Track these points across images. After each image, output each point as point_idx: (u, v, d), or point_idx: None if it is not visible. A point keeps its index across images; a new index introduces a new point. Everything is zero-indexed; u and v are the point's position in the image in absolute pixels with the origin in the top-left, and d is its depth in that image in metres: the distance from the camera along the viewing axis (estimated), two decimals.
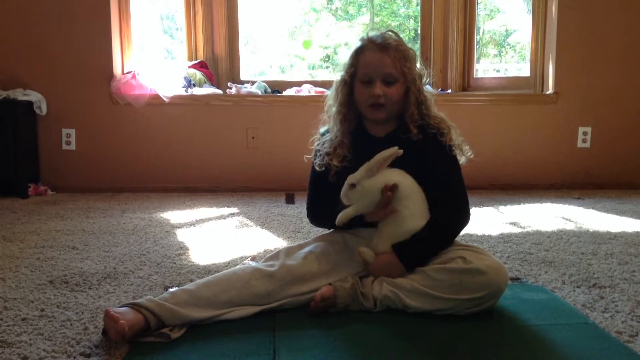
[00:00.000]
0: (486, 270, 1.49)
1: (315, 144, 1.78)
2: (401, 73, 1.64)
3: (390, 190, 1.57)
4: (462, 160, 1.70)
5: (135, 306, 1.42)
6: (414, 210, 1.60)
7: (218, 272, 1.66)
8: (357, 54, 1.67)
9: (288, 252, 1.69)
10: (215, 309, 1.49)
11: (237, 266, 1.77)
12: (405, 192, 1.60)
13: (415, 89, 1.66)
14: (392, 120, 1.72)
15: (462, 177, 1.70)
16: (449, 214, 1.64)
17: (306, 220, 2.74)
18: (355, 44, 1.70)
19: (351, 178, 1.60)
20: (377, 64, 1.64)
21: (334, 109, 1.73)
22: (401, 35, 1.71)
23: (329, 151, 1.70)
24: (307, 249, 1.69)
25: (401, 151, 1.58)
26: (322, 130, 1.80)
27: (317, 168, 1.72)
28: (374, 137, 1.73)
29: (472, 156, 1.72)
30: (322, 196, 1.73)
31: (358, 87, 1.67)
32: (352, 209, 1.61)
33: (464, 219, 1.66)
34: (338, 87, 1.71)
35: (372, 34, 1.68)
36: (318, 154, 1.74)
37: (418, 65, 1.72)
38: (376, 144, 1.67)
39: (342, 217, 1.61)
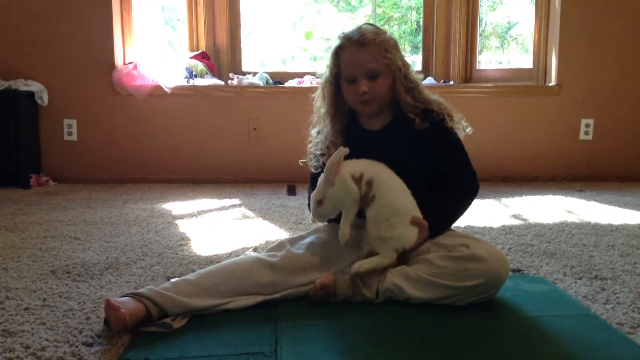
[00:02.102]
0: (487, 257, 1.50)
1: (309, 146, 1.78)
2: (383, 65, 1.63)
3: (358, 181, 1.58)
4: (461, 135, 1.73)
5: (136, 296, 1.43)
6: (390, 186, 1.60)
7: (220, 262, 1.66)
8: (337, 53, 1.67)
9: (290, 242, 1.70)
10: (217, 299, 1.49)
11: (239, 257, 1.77)
12: (371, 175, 1.59)
13: (402, 77, 1.65)
14: (386, 112, 1.71)
15: (467, 154, 1.74)
16: (462, 186, 1.69)
17: (307, 211, 2.75)
18: (335, 43, 1.69)
19: (316, 195, 1.60)
20: (357, 61, 1.63)
21: (322, 110, 1.73)
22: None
23: (323, 152, 1.71)
24: (308, 240, 1.70)
25: (347, 150, 1.56)
26: (313, 132, 1.79)
27: (312, 170, 1.74)
28: (370, 132, 1.72)
29: (470, 132, 1.75)
30: None
31: (344, 86, 1.67)
32: (344, 220, 1.59)
33: (475, 188, 1.72)
34: (324, 88, 1.71)
35: (348, 31, 1.67)
36: (312, 157, 1.75)
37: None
38: (373, 138, 1.69)
39: (343, 235, 1.59)
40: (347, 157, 1.61)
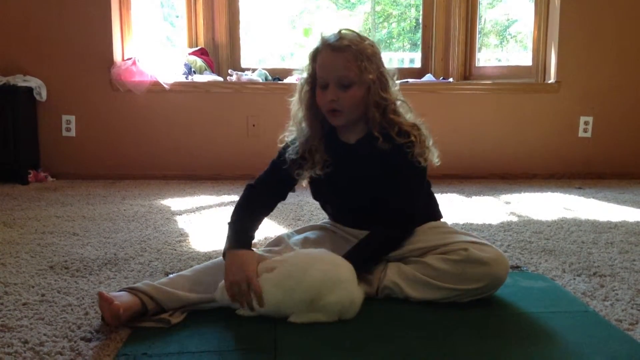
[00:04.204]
0: (488, 261, 1.49)
1: (287, 151, 1.67)
2: (356, 75, 1.52)
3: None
4: (426, 162, 1.59)
5: (131, 290, 1.43)
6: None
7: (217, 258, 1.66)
8: (314, 56, 1.58)
9: (288, 237, 1.70)
10: (212, 292, 1.49)
11: None
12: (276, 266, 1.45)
13: (375, 90, 1.54)
14: (361, 126, 1.62)
15: (419, 191, 1.63)
16: (395, 229, 1.59)
17: (306, 207, 2.76)
18: (313, 45, 1.60)
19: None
20: (330, 66, 1.54)
21: (300, 115, 1.64)
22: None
23: (305, 157, 1.62)
24: (303, 235, 1.71)
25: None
26: (290, 138, 1.69)
27: (295, 177, 1.64)
28: (344, 144, 1.65)
29: (438, 164, 1.62)
30: (272, 185, 1.69)
31: (317, 91, 1.58)
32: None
33: (407, 233, 1.61)
34: (301, 91, 1.63)
35: (327, 34, 1.57)
36: (292, 163, 1.63)
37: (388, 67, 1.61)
38: (347, 150, 1.63)
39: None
40: (327, 166, 1.57)
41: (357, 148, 1.62)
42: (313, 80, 1.60)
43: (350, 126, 1.63)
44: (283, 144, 1.71)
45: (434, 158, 1.60)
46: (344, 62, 1.52)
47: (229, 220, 1.59)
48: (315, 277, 1.40)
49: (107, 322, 1.39)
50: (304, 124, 1.64)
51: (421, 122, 1.61)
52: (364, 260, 1.56)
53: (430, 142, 1.60)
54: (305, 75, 1.62)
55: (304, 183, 1.69)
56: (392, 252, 1.59)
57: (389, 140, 1.55)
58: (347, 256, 1.52)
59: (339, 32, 1.56)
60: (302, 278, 1.40)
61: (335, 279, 1.42)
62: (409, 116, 1.61)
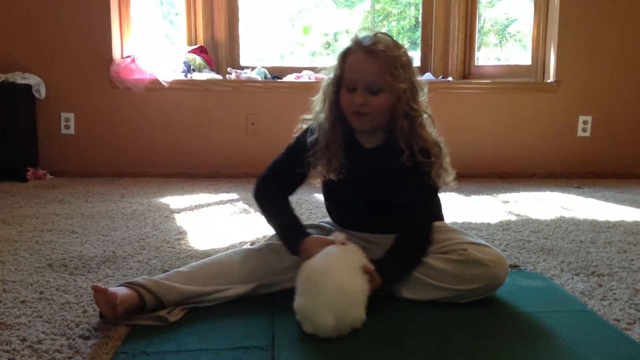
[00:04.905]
0: (487, 262, 1.49)
1: (304, 133, 1.64)
2: (387, 82, 1.47)
3: None
4: (442, 185, 1.57)
5: (129, 284, 1.43)
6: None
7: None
8: (344, 56, 1.53)
9: None
10: (212, 287, 1.49)
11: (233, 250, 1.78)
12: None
13: (404, 101, 1.50)
14: (381, 133, 1.58)
15: (434, 207, 1.65)
16: (414, 245, 1.58)
17: (305, 206, 2.75)
18: (345, 44, 1.54)
19: None
20: (361, 69, 1.49)
21: (322, 116, 1.58)
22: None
23: (323, 161, 1.58)
24: None
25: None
26: (309, 124, 1.64)
27: (312, 176, 1.62)
28: (363, 148, 1.60)
29: (455, 187, 1.60)
30: (286, 180, 1.67)
31: (343, 91, 1.53)
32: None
33: (425, 249, 1.58)
34: (326, 91, 1.57)
35: (362, 34, 1.51)
36: (312, 157, 1.59)
37: (418, 78, 1.56)
38: (365, 155, 1.60)
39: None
40: (342, 173, 1.55)
41: (374, 154, 1.59)
42: (339, 81, 1.54)
43: (369, 132, 1.59)
44: (302, 130, 1.66)
45: (450, 180, 1.57)
46: (377, 67, 1.47)
47: (271, 224, 1.62)
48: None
49: (104, 315, 1.39)
50: (325, 125, 1.58)
51: (442, 140, 1.57)
52: (396, 271, 1.54)
53: (448, 161, 1.56)
54: (331, 75, 1.56)
55: (317, 182, 1.67)
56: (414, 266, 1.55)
57: (412, 156, 1.51)
58: (379, 268, 1.47)
59: (375, 35, 1.50)
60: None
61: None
62: (432, 131, 1.57)
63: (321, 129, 1.58)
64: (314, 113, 1.61)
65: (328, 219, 1.77)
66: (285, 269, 1.56)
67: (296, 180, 1.67)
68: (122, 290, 1.40)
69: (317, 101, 1.60)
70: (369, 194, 1.60)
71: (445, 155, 1.55)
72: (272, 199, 1.66)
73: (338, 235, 1.52)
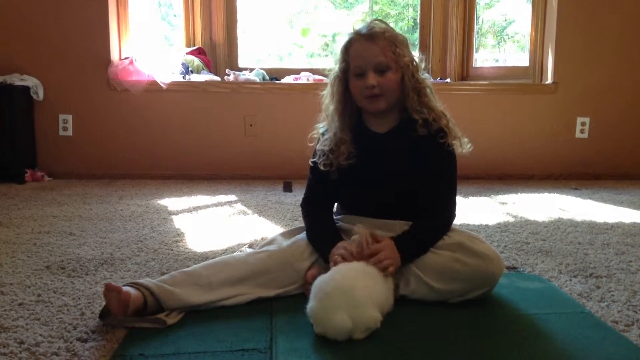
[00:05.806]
0: (482, 256, 1.50)
1: (317, 142, 1.72)
2: (392, 59, 1.58)
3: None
4: (461, 150, 1.66)
5: (135, 285, 1.43)
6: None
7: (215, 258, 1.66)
8: (347, 48, 1.63)
9: (283, 236, 1.73)
10: (213, 290, 1.49)
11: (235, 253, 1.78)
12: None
13: (410, 75, 1.61)
14: (393, 115, 1.67)
15: (456, 179, 1.69)
16: (436, 218, 1.62)
17: None
18: (344, 39, 1.66)
19: None
20: (366, 54, 1.59)
21: (331, 107, 1.67)
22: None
23: (332, 148, 1.65)
24: (301, 235, 1.71)
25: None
26: (322, 129, 1.73)
27: (322, 168, 1.66)
28: (375, 133, 1.68)
29: (471, 149, 1.67)
30: (322, 195, 1.73)
31: (352, 81, 1.62)
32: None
33: (450, 221, 1.64)
34: (333, 85, 1.67)
35: (358, 26, 1.63)
36: (321, 154, 1.67)
37: (415, 53, 1.67)
38: (377, 140, 1.66)
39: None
40: (357, 157, 1.61)
41: (389, 138, 1.66)
42: (345, 73, 1.64)
43: (383, 115, 1.66)
44: (315, 141, 1.74)
45: (466, 143, 1.65)
46: (380, 48, 1.58)
47: (311, 240, 1.66)
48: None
49: (107, 315, 1.39)
50: (334, 117, 1.67)
51: (448, 113, 1.66)
52: (413, 246, 1.57)
53: (457, 129, 1.64)
54: (336, 69, 1.65)
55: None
56: (435, 240, 1.59)
57: (426, 126, 1.60)
58: (398, 243, 1.53)
59: (369, 22, 1.62)
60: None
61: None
62: (437, 104, 1.66)
63: (330, 121, 1.68)
64: (323, 106, 1.70)
65: (339, 216, 1.77)
66: (287, 272, 1.59)
67: (328, 188, 1.72)
68: (132, 291, 1.40)
69: (326, 95, 1.70)
70: (386, 180, 1.65)
71: (454, 123, 1.65)
72: (311, 216, 1.73)
73: (360, 228, 1.55)
